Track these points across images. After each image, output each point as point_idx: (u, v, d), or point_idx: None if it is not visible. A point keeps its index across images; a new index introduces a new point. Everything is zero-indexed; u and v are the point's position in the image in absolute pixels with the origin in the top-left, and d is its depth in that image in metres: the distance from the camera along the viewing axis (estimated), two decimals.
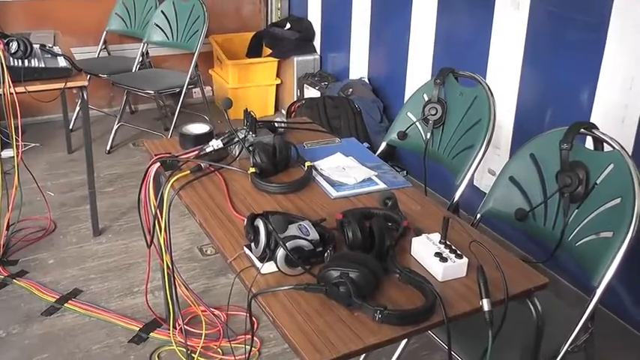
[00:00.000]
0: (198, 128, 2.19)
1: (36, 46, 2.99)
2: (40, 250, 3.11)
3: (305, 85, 4.63)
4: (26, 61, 2.86)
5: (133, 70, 4.26)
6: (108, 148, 4.24)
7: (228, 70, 4.72)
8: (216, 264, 3.02)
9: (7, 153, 4.18)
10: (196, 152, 2.05)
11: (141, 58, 4.33)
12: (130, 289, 2.85)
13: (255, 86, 4.86)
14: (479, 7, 3.26)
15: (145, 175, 1.99)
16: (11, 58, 2.84)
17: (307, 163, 2.00)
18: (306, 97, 4.62)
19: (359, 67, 4.39)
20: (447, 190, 2.52)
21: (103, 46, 4.64)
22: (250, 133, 2.10)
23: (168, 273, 2.18)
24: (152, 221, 2.00)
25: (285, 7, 5.20)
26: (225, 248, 1.62)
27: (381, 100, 4.12)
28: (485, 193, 2.06)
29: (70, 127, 4.39)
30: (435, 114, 2.30)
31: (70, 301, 2.74)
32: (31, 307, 2.71)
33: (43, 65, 2.87)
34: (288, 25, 4.93)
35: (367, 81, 4.27)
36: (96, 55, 4.61)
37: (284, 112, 4.89)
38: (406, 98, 2.86)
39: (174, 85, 3.96)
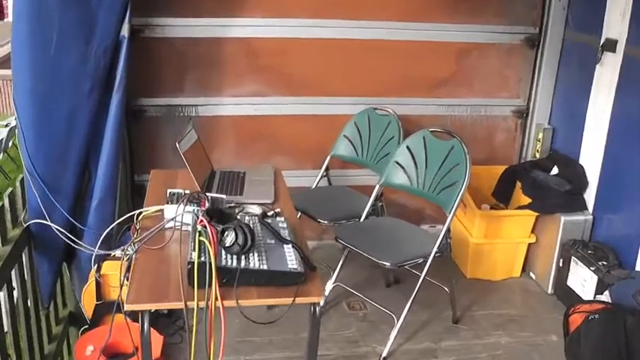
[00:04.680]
0: None
1: (258, 231, 2.19)
2: None
3: (573, 258, 3.49)
4: (243, 259, 2.03)
5: (362, 219, 3.37)
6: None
7: (475, 221, 3.72)
8: None
9: None
10: None
11: (373, 202, 3.42)
12: None
13: (504, 243, 3.80)
14: None
15: None
16: (224, 253, 2.03)
17: None
18: (572, 275, 3.49)
19: None
20: None
21: (324, 173, 3.83)
22: None
23: None
24: None
25: (548, 140, 4.12)
26: None
27: None
28: None
29: None
30: None
31: None
32: None
33: (265, 267, 2.02)
34: (555, 170, 3.84)
35: None
36: (313, 184, 3.80)
37: (533, 276, 3.79)
38: None
39: (418, 256, 3.03)
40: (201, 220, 2.05)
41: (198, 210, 2.29)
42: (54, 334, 3.16)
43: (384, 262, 2.93)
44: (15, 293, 2.69)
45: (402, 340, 3.19)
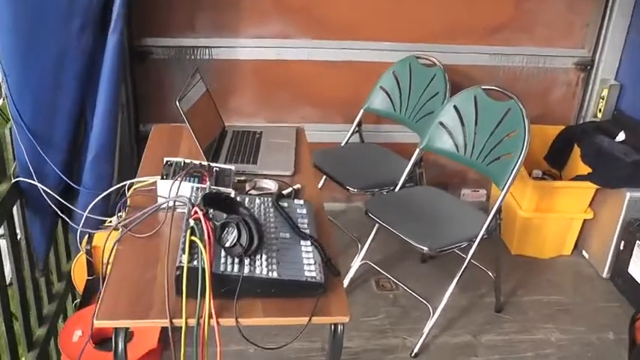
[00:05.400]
0: None
1: (270, 219, 1.75)
2: None
3: (638, 242, 3.01)
4: (247, 263, 1.59)
5: (398, 188, 2.90)
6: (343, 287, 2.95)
7: (526, 192, 3.24)
8: None
9: None
10: None
11: (411, 169, 2.94)
12: None
13: (556, 216, 3.31)
14: None
15: None
16: (223, 254, 1.60)
17: None
18: (635, 262, 3.02)
19: None
20: None
21: (356, 129, 3.34)
22: None
23: None
24: None
25: (613, 98, 3.57)
26: None
27: None
28: None
29: None
30: None
31: None
32: None
33: (274, 275, 1.58)
34: (621, 136, 3.30)
35: None
36: (342, 142, 3.32)
37: (586, 255, 3.32)
38: None
39: (461, 239, 2.58)
40: (195, 212, 1.60)
41: (197, 191, 1.85)
42: (55, 291, 2.85)
43: (422, 247, 2.48)
44: (4, 252, 2.40)
45: (436, 330, 2.78)
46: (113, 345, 1.57)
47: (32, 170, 2.45)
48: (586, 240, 3.42)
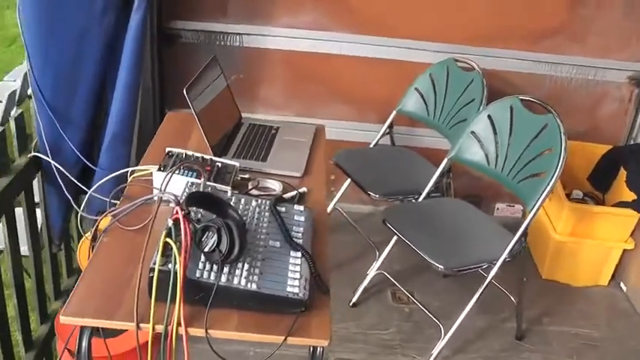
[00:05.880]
0: None
1: (263, 224, 1.63)
2: None
3: None
4: (226, 271, 1.47)
5: (422, 197, 2.74)
6: (354, 299, 2.82)
7: (562, 214, 3.03)
8: None
9: None
10: None
11: (438, 178, 2.78)
12: None
13: (594, 243, 3.09)
14: None
15: None
16: (202, 259, 1.48)
17: None
18: None
19: None
20: None
21: (387, 130, 3.18)
22: None
23: None
24: None
25: None
26: None
27: None
28: None
29: None
30: None
31: None
32: None
33: (253, 287, 1.46)
34: None
35: None
36: (372, 143, 3.17)
37: (624, 287, 3.09)
38: None
39: (482, 260, 2.40)
40: (176, 213, 1.48)
41: (191, 187, 1.74)
42: (75, 266, 2.83)
43: (437, 265, 2.32)
44: (21, 225, 2.38)
45: (448, 351, 2.62)
46: (77, 344, 1.47)
47: (49, 147, 2.42)
48: (625, 271, 3.19)
